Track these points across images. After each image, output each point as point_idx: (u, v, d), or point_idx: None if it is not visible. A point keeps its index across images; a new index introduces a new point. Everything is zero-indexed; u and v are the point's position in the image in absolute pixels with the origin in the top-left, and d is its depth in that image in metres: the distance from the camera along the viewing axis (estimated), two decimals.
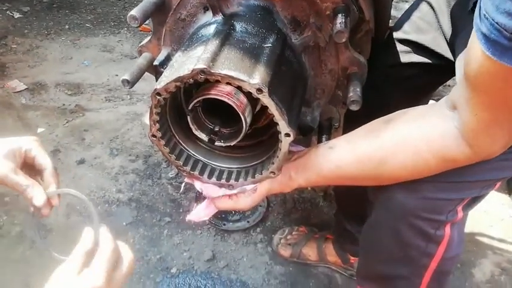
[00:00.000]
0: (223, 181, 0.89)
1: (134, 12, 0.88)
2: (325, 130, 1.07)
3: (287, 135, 0.77)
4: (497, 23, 0.51)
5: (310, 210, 1.87)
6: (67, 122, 2.13)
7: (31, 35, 2.85)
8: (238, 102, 0.78)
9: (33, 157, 0.81)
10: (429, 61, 1.06)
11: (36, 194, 0.78)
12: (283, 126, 0.76)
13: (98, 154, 1.97)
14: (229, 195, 0.89)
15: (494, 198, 1.99)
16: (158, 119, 0.80)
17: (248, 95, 0.81)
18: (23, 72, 2.45)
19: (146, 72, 1.07)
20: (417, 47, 1.08)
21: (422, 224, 0.81)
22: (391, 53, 1.12)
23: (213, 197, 0.89)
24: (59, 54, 2.66)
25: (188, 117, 0.85)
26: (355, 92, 0.90)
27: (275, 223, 1.79)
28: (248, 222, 1.75)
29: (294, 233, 1.69)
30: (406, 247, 0.86)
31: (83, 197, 0.78)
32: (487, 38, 0.55)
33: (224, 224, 1.73)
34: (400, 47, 1.12)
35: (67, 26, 2.99)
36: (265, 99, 0.73)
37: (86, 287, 0.66)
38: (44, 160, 0.81)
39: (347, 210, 1.48)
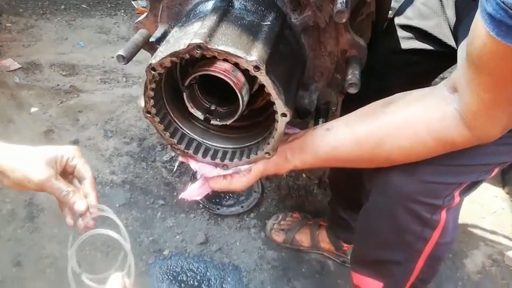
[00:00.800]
0: (217, 160, 0.88)
1: None
2: (322, 114, 1.05)
3: (283, 115, 0.76)
4: (503, 2, 0.51)
5: (305, 198, 1.87)
6: (61, 103, 2.10)
7: (26, 14, 2.80)
8: (235, 79, 0.77)
9: (74, 166, 0.81)
10: (431, 48, 1.04)
11: (78, 200, 0.78)
12: (279, 106, 0.75)
13: (92, 135, 1.95)
14: (224, 176, 0.88)
15: (488, 190, 2.00)
16: (153, 94, 0.78)
17: (245, 73, 0.80)
18: (17, 51, 2.41)
19: (143, 55, 1.05)
20: (419, 33, 1.07)
21: (418, 208, 0.81)
22: (392, 39, 1.11)
23: (207, 176, 0.88)
24: (54, 35, 2.62)
25: (184, 94, 0.83)
26: (353, 75, 0.89)
27: (269, 209, 1.79)
28: (242, 207, 1.75)
29: (287, 219, 1.69)
30: (402, 231, 0.86)
31: (120, 224, 0.79)
32: (492, 18, 0.54)
33: (218, 209, 1.72)
34: (401, 32, 1.10)
35: (63, 6, 2.94)
36: (262, 77, 0.72)
37: None
38: (84, 169, 0.82)
39: (341, 197, 1.48)
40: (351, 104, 0.90)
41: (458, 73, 0.69)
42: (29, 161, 0.77)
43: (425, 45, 1.05)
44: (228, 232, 1.67)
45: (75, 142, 1.90)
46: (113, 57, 2.44)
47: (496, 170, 0.83)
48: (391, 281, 0.97)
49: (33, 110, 2.03)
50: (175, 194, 1.77)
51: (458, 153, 0.75)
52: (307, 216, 1.71)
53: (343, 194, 1.47)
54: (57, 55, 2.42)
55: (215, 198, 1.77)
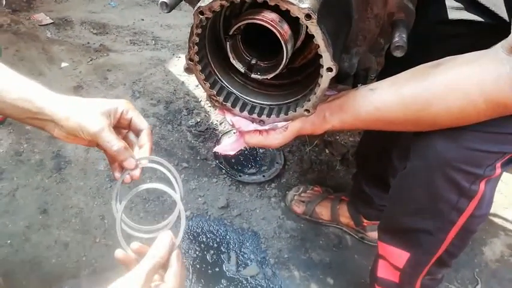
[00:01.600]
0: (254, 116, 0.87)
1: None
2: (361, 79, 1.03)
3: (329, 69, 0.75)
4: None
5: (326, 173, 1.87)
6: (91, 60, 2.12)
7: None
8: (282, 30, 0.75)
9: (130, 119, 0.82)
10: (481, 19, 1.00)
11: (129, 158, 0.78)
12: (326, 59, 0.73)
13: (119, 94, 1.97)
14: (260, 131, 0.88)
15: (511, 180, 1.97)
16: (198, 40, 0.78)
17: (292, 27, 0.78)
18: (49, 7, 2.42)
19: (173, 20, 1.03)
20: (470, 4, 1.02)
21: (458, 176, 0.79)
22: (440, 8, 1.06)
23: (243, 130, 0.88)
24: None
25: (227, 44, 0.82)
26: (400, 38, 0.86)
27: (290, 181, 1.79)
28: (264, 176, 1.76)
29: (308, 191, 1.69)
30: (437, 199, 0.84)
31: (173, 171, 0.79)
32: None
33: (240, 176, 1.73)
34: (450, 2, 1.06)
35: None
36: (313, 27, 0.70)
37: None
38: (140, 121, 0.82)
39: (367, 172, 1.47)
40: (389, 74, 0.87)
41: None
42: (84, 110, 0.76)
43: (475, 16, 1.01)
44: (249, 199, 1.68)
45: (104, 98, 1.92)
46: (143, 20, 2.44)
47: None
48: (419, 251, 0.96)
49: (63, 65, 2.05)
50: (198, 158, 1.79)
51: (504, 121, 0.72)
52: (329, 190, 1.71)
53: (369, 169, 1.45)
54: (89, 13, 2.43)
55: (237, 165, 1.78)
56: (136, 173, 0.80)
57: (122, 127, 0.84)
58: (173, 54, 2.27)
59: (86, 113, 0.76)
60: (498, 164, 0.79)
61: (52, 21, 2.31)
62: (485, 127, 0.74)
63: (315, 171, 1.86)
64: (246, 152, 1.86)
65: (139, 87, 2.03)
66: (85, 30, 2.32)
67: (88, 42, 2.23)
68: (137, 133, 0.83)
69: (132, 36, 2.34)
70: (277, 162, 1.82)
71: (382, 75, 1.11)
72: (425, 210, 0.89)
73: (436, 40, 1.07)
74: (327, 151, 1.95)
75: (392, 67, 0.88)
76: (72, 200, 1.55)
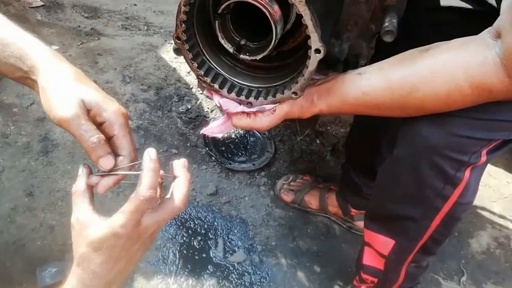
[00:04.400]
0: (242, 97, 0.86)
1: None
2: (351, 66, 1.03)
3: (317, 51, 0.74)
4: None
5: (317, 163, 1.87)
6: (81, 44, 2.08)
7: None
8: (272, 10, 0.74)
9: (113, 135, 0.68)
10: (470, 7, 1.00)
11: (107, 154, 0.65)
12: (314, 40, 0.73)
13: (110, 79, 1.94)
14: (247, 113, 0.87)
15: (501, 175, 1.98)
16: (185, 18, 0.76)
17: (282, 8, 0.77)
18: None
19: (166, 6, 1.01)
20: None
21: (443, 163, 0.79)
22: None
23: (230, 112, 0.87)
24: None
25: (216, 23, 0.81)
26: (391, 23, 0.86)
27: (280, 170, 1.79)
28: (253, 165, 1.75)
29: (298, 180, 1.69)
30: (423, 186, 0.84)
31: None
32: None
33: (230, 164, 1.72)
34: None
35: None
36: (301, 7, 0.69)
37: (104, 229, 0.61)
38: (125, 144, 0.68)
39: (356, 162, 1.47)
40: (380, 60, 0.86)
41: (503, 17, 0.67)
42: (66, 87, 0.65)
43: (465, 4, 1.01)
44: (238, 187, 1.67)
45: None
46: (135, 5, 2.41)
47: None
48: (404, 238, 0.97)
49: (53, 47, 2.02)
50: (188, 144, 1.77)
51: (491, 107, 0.73)
52: (318, 180, 1.71)
53: (358, 159, 1.45)
54: None
55: (228, 153, 1.77)
56: (109, 181, 0.67)
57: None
58: (165, 41, 2.24)
59: (66, 91, 0.64)
60: (484, 152, 0.79)
61: (43, 3, 2.26)
62: (472, 113, 0.74)
63: (305, 160, 1.86)
64: (236, 140, 1.86)
65: (130, 72, 2.00)
66: (76, 13, 2.28)
67: (79, 26, 2.19)
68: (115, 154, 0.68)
69: (124, 21, 2.31)
70: (267, 151, 1.82)
71: (373, 62, 1.10)
72: (411, 197, 0.89)
73: (427, 28, 1.06)
74: (318, 141, 1.95)
75: (382, 55, 0.88)
76: (59, 183, 1.53)
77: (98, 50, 2.07)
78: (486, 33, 0.70)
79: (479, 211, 1.85)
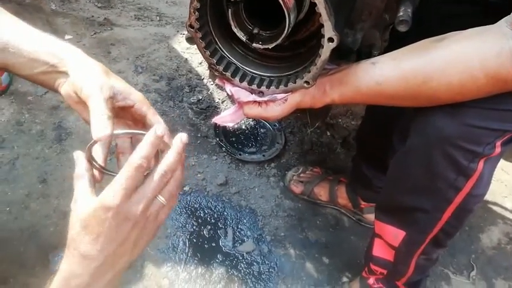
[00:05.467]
0: (254, 86, 0.86)
1: None
2: (364, 57, 1.02)
3: (330, 39, 0.73)
4: None
5: (327, 155, 1.86)
6: (95, 34, 2.10)
7: None
8: None
9: (144, 115, 0.75)
10: None
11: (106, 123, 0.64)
12: (328, 29, 0.72)
13: (122, 69, 1.96)
14: (259, 103, 0.87)
15: None
16: (199, 6, 0.77)
17: None
18: None
19: None
20: None
21: (456, 154, 0.78)
22: None
23: (242, 101, 0.87)
24: None
25: (229, 11, 0.81)
26: (405, 12, 0.85)
27: (290, 161, 1.79)
28: (264, 156, 1.75)
29: (307, 172, 1.69)
30: (435, 177, 0.84)
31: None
32: None
33: (240, 154, 1.73)
34: None
35: None
36: None
37: (94, 204, 0.58)
38: (157, 120, 0.75)
39: (367, 154, 1.46)
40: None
41: None
42: (96, 71, 0.71)
43: None
44: (248, 177, 1.68)
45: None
46: None
47: None
48: (415, 230, 0.97)
49: (67, 37, 2.04)
50: (199, 135, 1.78)
51: (506, 97, 0.72)
52: (328, 172, 1.71)
53: (369, 151, 1.45)
54: None
55: (238, 144, 1.78)
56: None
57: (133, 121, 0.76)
58: (177, 31, 2.24)
59: (98, 77, 0.69)
60: (498, 143, 0.78)
61: None
62: (486, 103, 0.73)
63: (315, 152, 1.86)
64: (246, 131, 1.86)
65: (142, 62, 2.02)
66: (90, 3, 2.29)
67: (92, 16, 2.21)
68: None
69: (137, 11, 2.32)
70: (277, 143, 1.82)
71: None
72: (423, 188, 0.88)
73: (438, 19, 1.05)
74: (328, 133, 1.95)
75: (395, 46, 0.87)
76: (72, 170, 1.55)
77: (111, 40, 2.09)
78: (503, 23, 0.69)
79: (491, 206, 1.83)
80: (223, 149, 1.73)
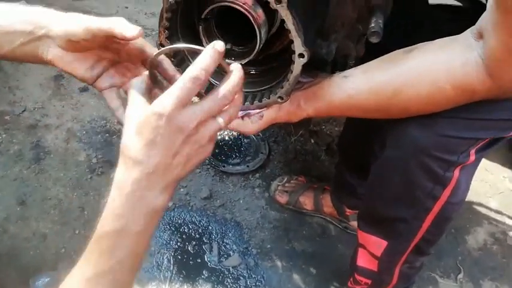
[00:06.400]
0: None
1: None
2: (339, 67, 1.02)
3: (301, 55, 0.73)
4: None
5: (311, 163, 1.86)
6: None
7: None
8: (255, 14, 0.73)
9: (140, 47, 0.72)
10: (460, 4, 0.99)
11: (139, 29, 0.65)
12: (298, 45, 0.72)
13: None
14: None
15: (497, 170, 1.98)
16: (168, 25, 0.76)
17: (266, 12, 0.76)
18: None
19: (158, 8, 1.00)
20: None
21: (432, 163, 0.79)
22: None
23: None
24: None
25: (200, 28, 0.80)
26: (377, 23, 0.85)
27: (274, 171, 1.78)
28: (248, 166, 1.74)
29: (292, 181, 1.68)
30: (412, 187, 0.84)
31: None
32: None
33: (224, 166, 1.71)
34: None
35: None
36: (283, 11, 0.68)
37: (147, 111, 0.56)
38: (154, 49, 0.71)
39: (349, 161, 1.46)
40: (369, 61, 0.86)
41: (485, 18, 0.66)
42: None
43: (454, 1, 1.00)
44: (232, 189, 1.66)
45: (85, 89, 1.88)
46: (127, 8, 2.39)
47: None
48: (396, 239, 0.97)
49: None
50: None
51: (478, 106, 0.72)
52: (313, 180, 1.70)
53: (351, 158, 1.45)
54: (71, 1, 2.36)
55: (221, 155, 1.77)
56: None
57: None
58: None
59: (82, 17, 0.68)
60: (472, 151, 0.79)
61: None
62: (458, 113, 0.74)
63: (299, 161, 1.85)
64: (230, 142, 1.85)
65: None
66: None
67: None
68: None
69: None
70: (261, 152, 1.81)
71: (364, 61, 1.10)
72: (401, 198, 0.88)
73: (416, 26, 1.06)
74: (312, 141, 1.94)
75: (372, 54, 0.87)
76: (51, 191, 1.52)
77: None
78: (468, 33, 0.70)
79: (476, 207, 1.84)
80: (207, 161, 1.72)
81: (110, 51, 0.72)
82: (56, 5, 2.11)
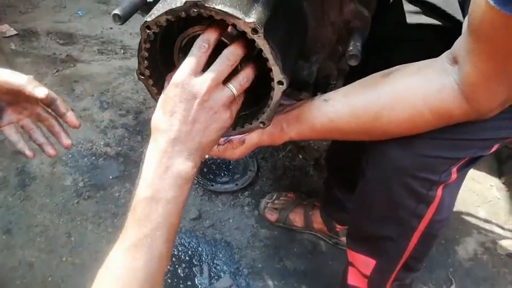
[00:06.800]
0: None
1: None
2: (321, 87, 1.02)
3: (280, 83, 0.73)
4: None
5: (300, 178, 1.86)
6: (57, 72, 2.06)
7: None
8: (233, 41, 0.74)
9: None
10: (439, 23, 1.01)
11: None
12: (276, 73, 0.72)
13: (87, 106, 1.92)
14: (218, 144, 0.86)
15: (484, 179, 1.99)
16: (147, 55, 0.76)
17: (245, 37, 0.77)
18: (14, 18, 2.36)
19: (138, 30, 1.01)
20: (427, 7, 1.03)
21: (414, 183, 0.79)
22: (398, 13, 1.07)
23: None
24: (52, 2, 2.56)
25: (179, 57, 0.80)
26: (355, 47, 0.85)
27: (264, 188, 1.77)
28: (236, 185, 1.74)
29: (281, 198, 1.67)
30: (396, 206, 0.84)
31: None
32: None
33: (212, 185, 1.71)
34: (408, 6, 1.06)
35: None
36: (260, 41, 0.69)
37: (168, 86, 0.66)
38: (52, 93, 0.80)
39: (337, 177, 1.46)
40: (353, 79, 0.87)
41: (459, 44, 0.68)
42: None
43: (433, 20, 1.02)
44: (222, 209, 1.65)
45: None
46: (111, 28, 2.40)
47: (495, 146, 0.81)
48: (384, 258, 0.96)
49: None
50: None
51: (457, 127, 0.73)
52: (302, 196, 1.70)
53: (339, 173, 1.45)
54: (55, 23, 2.37)
55: (210, 174, 1.76)
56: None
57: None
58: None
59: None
60: (454, 169, 0.79)
61: (16, 32, 2.25)
62: (438, 134, 0.74)
63: (288, 177, 1.85)
64: (218, 160, 1.84)
65: (108, 97, 1.99)
66: (51, 40, 2.26)
67: (54, 53, 2.17)
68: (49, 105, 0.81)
69: (100, 45, 2.30)
70: (250, 170, 1.80)
71: (349, 79, 1.11)
72: (386, 218, 0.89)
73: (395, 44, 1.07)
74: (300, 156, 1.95)
75: (356, 71, 0.88)
76: (37, 218, 1.50)
77: (74, 77, 2.05)
78: (444, 58, 0.71)
79: (465, 217, 1.85)
80: (195, 181, 1.71)
81: (10, 95, 0.79)
82: (40, 28, 2.12)
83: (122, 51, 2.29)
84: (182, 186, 0.63)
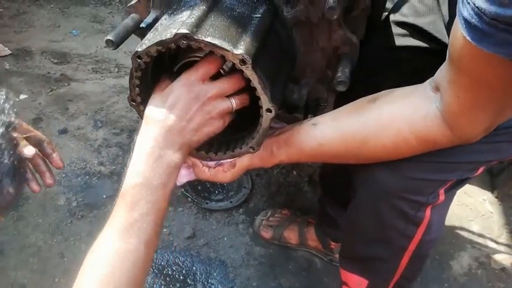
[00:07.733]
0: (201, 152, 0.86)
1: None
2: (311, 110, 1.04)
3: (268, 110, 0.75)
4: (477, 7, 0.49)
5: (294, 195, 1.86)
6: (51, 91, 2.07)
7: None
8: (225, 67, 0.76)
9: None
10: (426, 45, 1.03)
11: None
12: (264, 101, 0.74)
13: (81, 125, 1.93)
14: (209, 167, 0.87)
15: (476, 193, 2.00)
16: (138, 83, 0.77)
17: (232, 66, 0.78)
18: (8, 37, 2.37)
19: (136, 45, 1.03)
20: (415, 30, 1.06)
21: (402, 205, 0.81)
22: (386, 36, 1.09)
23: (194, 163, 0.88)
24: (47, 22, 2.58)
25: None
26: (343, 73, 0.88)
27: (258, 205, 1.78)
28: (231, 202, 1.74)
29: (276, 215, 1.68)
30: (386, 228, 0.85)
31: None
32: (467, 23, 0.53)
33: (207, 203, 1.71)
34: (396, 29, 1.09)
35: None
36: (248, 72, 0.70)
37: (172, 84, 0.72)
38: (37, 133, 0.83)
39: (330, 195, 1.47)
40: (341, 100, 0.89)
41: (441, 73, 0.69)
42: None
43: (421, 42, 1.04)
44: (216, 227, 1.65)
45: (64, 131, 1.87)
46: (105, 47, 2.41)
47: (481, 169, 0.83)
48: (376, 278, 0.97)
49: (22, 97, 2.01)
50: None
51: (443, 150, 0.75)
52: (296, 213, 1.70)
53: (332, 191, 1.46)
54: (49, 42, 2.39)
55: (204, 192, 1.76)
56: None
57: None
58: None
59: None
60: (441, 191, 0.81)
61: (11, 52, 2.26)
62: (424, 157, 0.76)
63: (283, 193, 1.86)
64: None
65: (102, 116, 2.00)
66: (45, 60, 2.27)
67: (48, 72, 2.19)
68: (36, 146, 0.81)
69: (95, 64, 2.31)
70: (244, 187, 1.81)
71: (339, 99, 1.12)
72: (377, 239, 0.90)
73: (384, 66, 1.09)
74: (295, 172, 1.96)
75: (346, 92, 0.90)
76: (30, 238, 1.49)
77: (68, 96, 2.06)
78: (427, 85, 0.72)
79: (458, 231, 1.86)
80: (189, 199, 1.71)
81: None
82: (35, 47, 2.14)
83: (116, 69, 2.30)
84: (171, 175, 0.68)
